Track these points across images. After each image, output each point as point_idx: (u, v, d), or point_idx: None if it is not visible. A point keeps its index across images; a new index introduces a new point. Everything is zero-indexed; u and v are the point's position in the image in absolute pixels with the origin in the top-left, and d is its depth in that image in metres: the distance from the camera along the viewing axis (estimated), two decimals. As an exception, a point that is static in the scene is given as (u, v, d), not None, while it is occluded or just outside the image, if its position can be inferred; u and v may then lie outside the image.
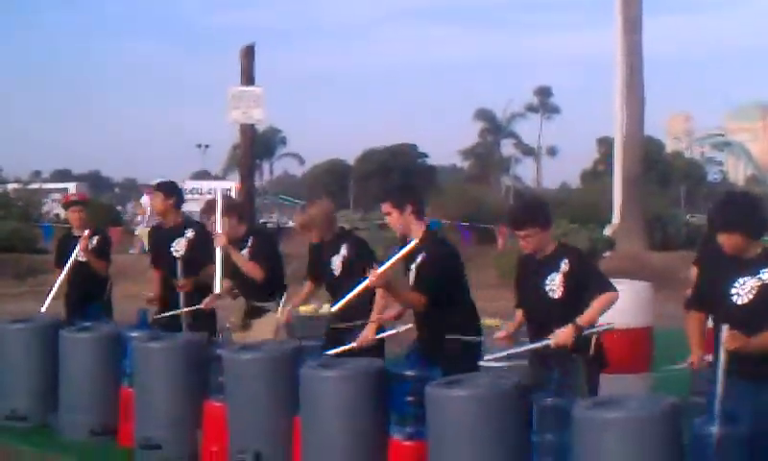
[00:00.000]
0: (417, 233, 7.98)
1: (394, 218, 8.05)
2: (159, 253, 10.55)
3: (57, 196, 46.57)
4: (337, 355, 8.23)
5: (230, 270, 9.57)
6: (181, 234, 10.31)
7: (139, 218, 35.58)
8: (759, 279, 6.29)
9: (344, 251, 8.76)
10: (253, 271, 9.36)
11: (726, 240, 6.39)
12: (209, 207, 9.84)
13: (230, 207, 9.76)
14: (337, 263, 8.78)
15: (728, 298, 6.32)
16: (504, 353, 7.42)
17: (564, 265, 7.30)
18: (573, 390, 6.83)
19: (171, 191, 10.55)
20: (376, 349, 8.46)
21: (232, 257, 9.44)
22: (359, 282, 7.99)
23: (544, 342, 7.13)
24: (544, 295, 7.32)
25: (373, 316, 8.47)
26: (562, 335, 7.06)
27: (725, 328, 6.05)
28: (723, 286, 6.37)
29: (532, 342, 7.40)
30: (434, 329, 7.82)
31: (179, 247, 10.29)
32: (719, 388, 5.91)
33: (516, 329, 7.70)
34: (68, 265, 10.94)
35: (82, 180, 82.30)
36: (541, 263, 7.41)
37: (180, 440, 8.61)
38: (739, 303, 6.31)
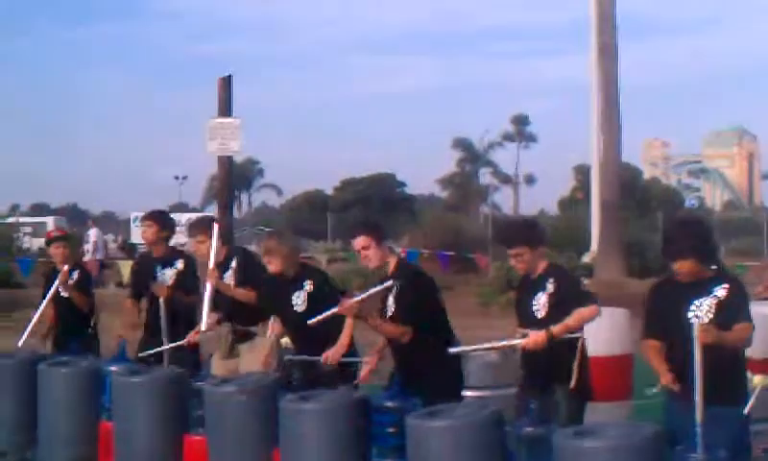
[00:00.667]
0: (390, 266, 7.96)
1: (371, 252, 7.94)
2: (145, 281, 10.46)
3: (28, 230, 46.53)
4: (302, 363, 8.20)
5: (215, 298, 9.49)
6: (171, 264, 10.25)
7: (86, 248, 35.35)
8: (715, 296, 6.44)
9: (308, 286, 8.60)
10: (247, 297, 9.22)
11: (680, 267, 6.52)
12: (198, 228, 9.77)
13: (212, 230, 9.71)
14: (302, 299, 8.62)
15: (685, 321, 6.39)
16: (470, 348, 7.46)
17: (550, 285, 7.35)
18: (556, 420, 6.84)
19: (166, 224, 10.51)
20: (347, 375, 8.40)
21: (224, 292, 9.36)
22: (330, 307, 8.01)
23: (515, 342, 7.21)
24: (532, 315, 7.38)
25: (344, 339, 8.40)
26: (533, 339, 7.14)
27: (697, 323, 6.11)
28: (680, 311, 6.45)
29: (523, 363, 7.50)
30: (414, 357, 7.79)
31: (166, 277, 10.25)
32: (699, 411, 5.94)
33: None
34: (46, 300, 10.90)
35: (59, 213, 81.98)
36: (533, 283, 7.48)
37: (160, 475, 8.57)
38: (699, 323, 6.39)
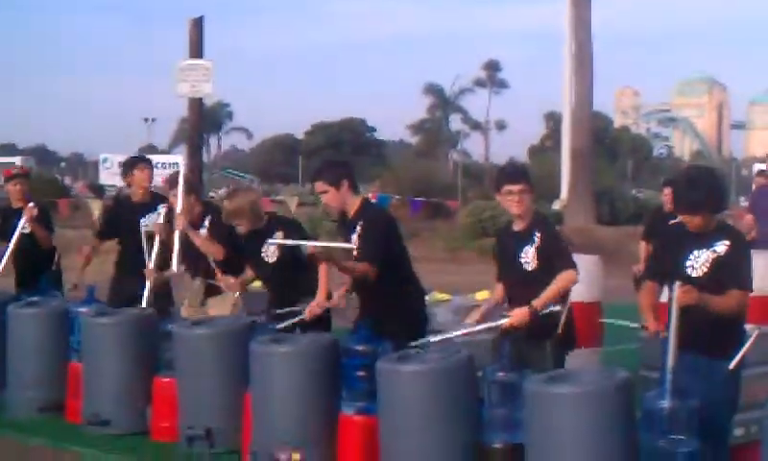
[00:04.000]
0: (352, 207, 7.92)
1: (329, 196, 7.91)
2: (126, 226, 10.47)
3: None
4: (285, 329, 8.17)
5: (186, 250, 9.43)
6: (154, 210, 10.22)
7: None
8: (714, 251, 6.38)
9: (278, 236, 8.56)
10: (215, 251, 9.20)
11: (690, 221, 6.45)
12: (173, 181, 9.73)
13: (190, 187, 9.67)
14: (272, 250, 8.59)
15: (683, 270, 6.36)
16: (451, 335, 7.28)
17: (537, 238, 7.28)
18: (542, 369, 6.79)
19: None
20: (324, 321, 8.40)
21: (192, 239, 9.30)
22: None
23: (498, 323, 7.07)
24: (520, 267, 7.31)
25: (321, 289, 8.38)
26: (517, 316, 7.01)
27: (677, 284, 6.09)
28: (678, 259, 6.42)
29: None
30: (380, 300, 7.75)
31: (149, 222, 10.22)
32: (670, 357, 5.95)
33: (495, 306, 7.65)
34: (14, 238, 10.82)
35: (27, 154, 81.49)
36: (518, 235, 7.38)
37: (129, 416, 8.56)
38: (694, 275, 6.37)
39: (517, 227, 7.44)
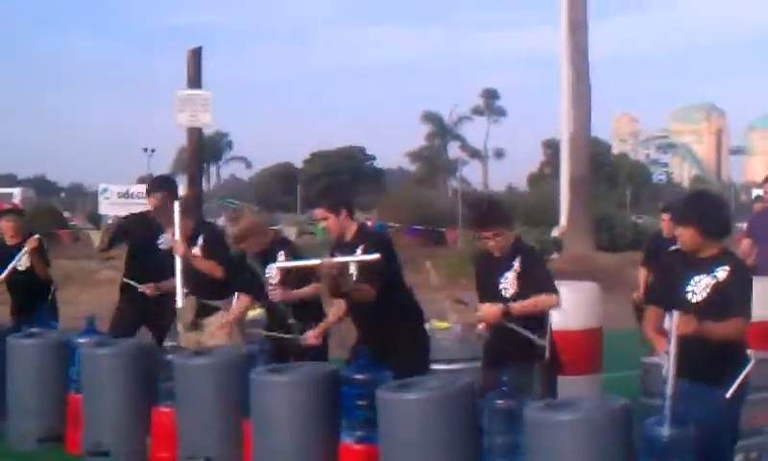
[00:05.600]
0: (350, 232, 8.02)
1: (330, 222, 8.04)
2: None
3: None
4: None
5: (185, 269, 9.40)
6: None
7: None
8: (714, 277, 6.31)
9: (281, 258, 8.63)
10: (214, 270, 9.16)
11: (681, 234, 6.43)
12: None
13: (185, 210, 9.68)
14: (275, 271, 8.62)
15: (682, 295, 6.33)
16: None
17: (517, 263, 7.28)
18: (531, 395, 6.80)
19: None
20: (321, 349, 8.43)
21: (192, 262, 9.25)
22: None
23: (470, 320, 7.13)
24: (499, 295, 7.30)
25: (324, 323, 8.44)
26: (488, 311, 7.05)
27: (676, 314, 6.07)
28: (678, 284, 6.39)
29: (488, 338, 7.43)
30: (380, 323, 7.74)
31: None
32: (669, 385, 5.93)
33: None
34: (5, 274, 10.80)
35: (27, 184, 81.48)
36: (498, 261, 7.38)
37: (128, 446, 8.55)
38: (694, 300, 6.31)
39: (497, 253, 7.43)
